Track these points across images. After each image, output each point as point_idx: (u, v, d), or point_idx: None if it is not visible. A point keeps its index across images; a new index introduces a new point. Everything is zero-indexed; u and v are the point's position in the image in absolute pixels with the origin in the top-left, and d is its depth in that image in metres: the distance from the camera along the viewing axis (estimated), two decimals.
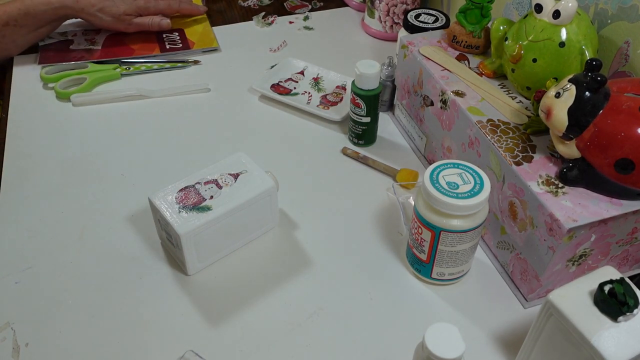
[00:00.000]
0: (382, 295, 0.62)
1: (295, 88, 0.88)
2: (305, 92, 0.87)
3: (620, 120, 0.53)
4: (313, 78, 0.90)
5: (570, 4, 0.60)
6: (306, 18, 1.07)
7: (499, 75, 0.71)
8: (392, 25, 1.01)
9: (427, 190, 0.55)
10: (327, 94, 0.87)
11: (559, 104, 0.54)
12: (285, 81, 0.89)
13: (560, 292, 0.47)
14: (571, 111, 0.54)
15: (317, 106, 0.85)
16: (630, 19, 0.64)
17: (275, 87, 0.88)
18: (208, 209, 0.60)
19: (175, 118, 0.84)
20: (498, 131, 0.63)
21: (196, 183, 0.63)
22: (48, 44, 0.95)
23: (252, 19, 1.06)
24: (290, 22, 1.06)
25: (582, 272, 0.59)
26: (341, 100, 0.86)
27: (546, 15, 0.62)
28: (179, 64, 0.94)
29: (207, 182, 0.63)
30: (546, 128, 0.61)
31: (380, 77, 0.76)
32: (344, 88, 0.88)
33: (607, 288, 0.45)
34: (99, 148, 0.78)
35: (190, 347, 0.56)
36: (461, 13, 0.74)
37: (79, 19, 0.95)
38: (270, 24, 1.05)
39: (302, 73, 0.91)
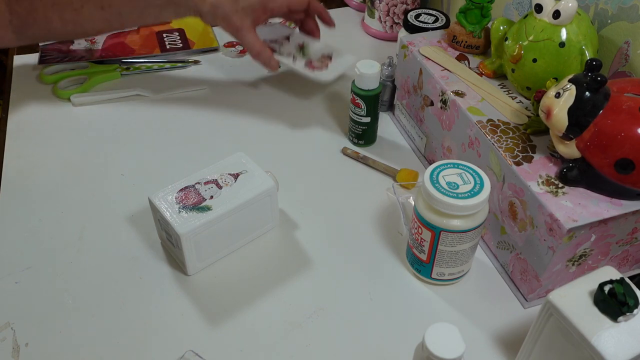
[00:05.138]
0: (382, 295, 0.62)
1: (279, 50, 0.84)
2: (290, 54, 0.84)
3: (620, 120, 0.53)
4: (298, 44, 0.86)
5: (570, 4, 0.60)
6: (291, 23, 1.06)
7: (499, 75, 0.71)
8: (392, 25, 1.01)
9: (427, 190, 0.55)
10: (312, 60, 0.84)
11: (559, 104, 0.54)
12: (270, 42, 0.85)
13: (560, 292, 0.47)
14: (571, 111, 0.54)
15: (304, 67, 0.82)
16: (630, 19, 0.64)
17: None
18: (208, 209, 0.60)
19: (175, 118, 0.84)
20: (498, 131, 0.63)
21: (196, 183, 0.63)
22: (48, 44, 0.95)
23: None
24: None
25: (582, 272, 0.59)
26: (327, 67, 0.83)
27: (546, 16, 0.62)
28: (179, 64, 0.94)
29: (207, 182, 0.63)
30: (546, 128, 0.61)
31: (380, 77, 0.76)
32: (329, 58, 0.85)
33: (607, 288, 0.45)
34: (99, 148, 0.78)
35: (190, 347, 0.56)
36: (461, 13, 0.74)
37: None
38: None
39: (287, 39, 0.87)
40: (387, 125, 0.84)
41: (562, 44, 0.61)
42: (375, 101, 0.76)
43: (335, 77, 0.81)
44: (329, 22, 0.87)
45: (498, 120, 0.65)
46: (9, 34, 0.78)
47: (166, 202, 0.61)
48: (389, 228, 0.69)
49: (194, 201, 0.61)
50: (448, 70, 0.72)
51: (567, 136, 0.56)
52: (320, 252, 0.66)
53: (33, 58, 0.94)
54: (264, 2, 0.79)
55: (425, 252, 0.60)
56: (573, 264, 0.58)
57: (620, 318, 0.44)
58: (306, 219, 0.70)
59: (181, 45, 0.98)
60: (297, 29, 0.88)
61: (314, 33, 0.88)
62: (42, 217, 0.69)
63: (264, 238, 0.67)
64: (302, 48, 0.85)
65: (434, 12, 0.87)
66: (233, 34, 0.79)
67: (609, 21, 0.67)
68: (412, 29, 0.84)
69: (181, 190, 0.62)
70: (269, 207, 0.65)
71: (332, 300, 0.61)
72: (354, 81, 0.75)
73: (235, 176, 0.64)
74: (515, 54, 0.64)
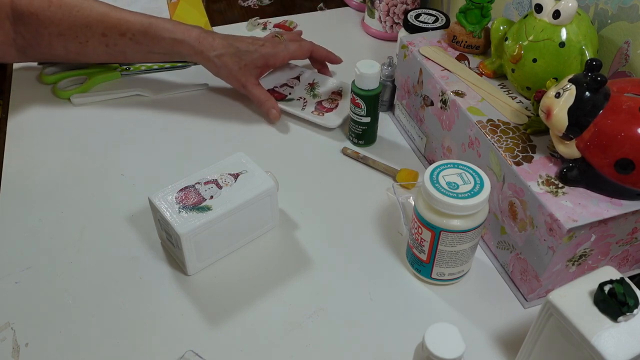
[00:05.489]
0: (382, 295, 0.62)
1: (290, 94, 0.87)
2: (301, 97, 0.87)
3: (620, 120, 0.53)
4: (308, 84, 0.89)
5: (570, 4, 0.60)
6: (291, 23, 1.06)
7: (499, 75, 0.71)
8: (392, 25, 1.01)
9: (427, 190, 0.55)
10: (322, 100, 0.86)
11: (559, 104, 0.55)
12: (281, 86, 0.89)
13: (560, 292, 0.47)
14: (571, 111, 0.54)
15: (312, 112, 0.83)
16: (630, 19, 0.64)
17: (270, 92, 0.87)
18: (208, 209, 0.60)
19: (175, 118, 0.84)
20: (498, 131, 0.63)
21: (196, 183, 0.63)
22: None
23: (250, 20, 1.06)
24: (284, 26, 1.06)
25: (582, 272, 0.59)
26: (337, 106, 0.85)
27: (546, 16, 0.62)
28: (179, 64, 0.94)
29: (207, 182, 0.63)
30: (546, 128, 0.61)
31: (380, 77, 0.76)
32: (339, 94, 0.87)
33: (607, 288, 0.45)
34: (99, 148, 0.78)
35: (190, 347, 0.56)
36: (461, 13, 0.74)
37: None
38: (264, 28, 1.05)
39: (297, 78, 0.90)
40: (387, 125, 0.84)
41: (562, 44, 0.61)
42: (375, 101, 0.76)
43: (341, 122, 0.82)
44: (336, 62, 0.90)
45: (498, 120, 0.65)
46: (12, 51, 0.80)
47: (166, 202, 0.61)
48: (389, 228, 0.69)
49: (194, 201, 0.61)
50: (448, 70, 0.72)
51: (567, 136, 0.56)
52: (320, 252, 0.66)
53: None
54: (266, 58, 0.83)
55: (425, 252, 0.60)
56: (573, 264, 0.58)
57: (620, 318, 0.44)
58: (306, 219, 0.70)
59: None
60: (306, 69, 0.91)
61: (323, 73, 0.92)
62: (42, 217, 0.69)
63: (264, 238, 0.67)
64: (312, 87, 0.88)
65: (434, 12, 0.87)
66: (238, 89, 0.84)
67: (609, 21, 0.67)
68: (412, 29, 0.84)
69: (181, 190, 0.62)
70: (269, 207, 0.65)
71: (332, 300, 0.61)
72: (354, 81, 0.75)
73: (235, 176, 0.64)
74: (515, 54, 0.64)
